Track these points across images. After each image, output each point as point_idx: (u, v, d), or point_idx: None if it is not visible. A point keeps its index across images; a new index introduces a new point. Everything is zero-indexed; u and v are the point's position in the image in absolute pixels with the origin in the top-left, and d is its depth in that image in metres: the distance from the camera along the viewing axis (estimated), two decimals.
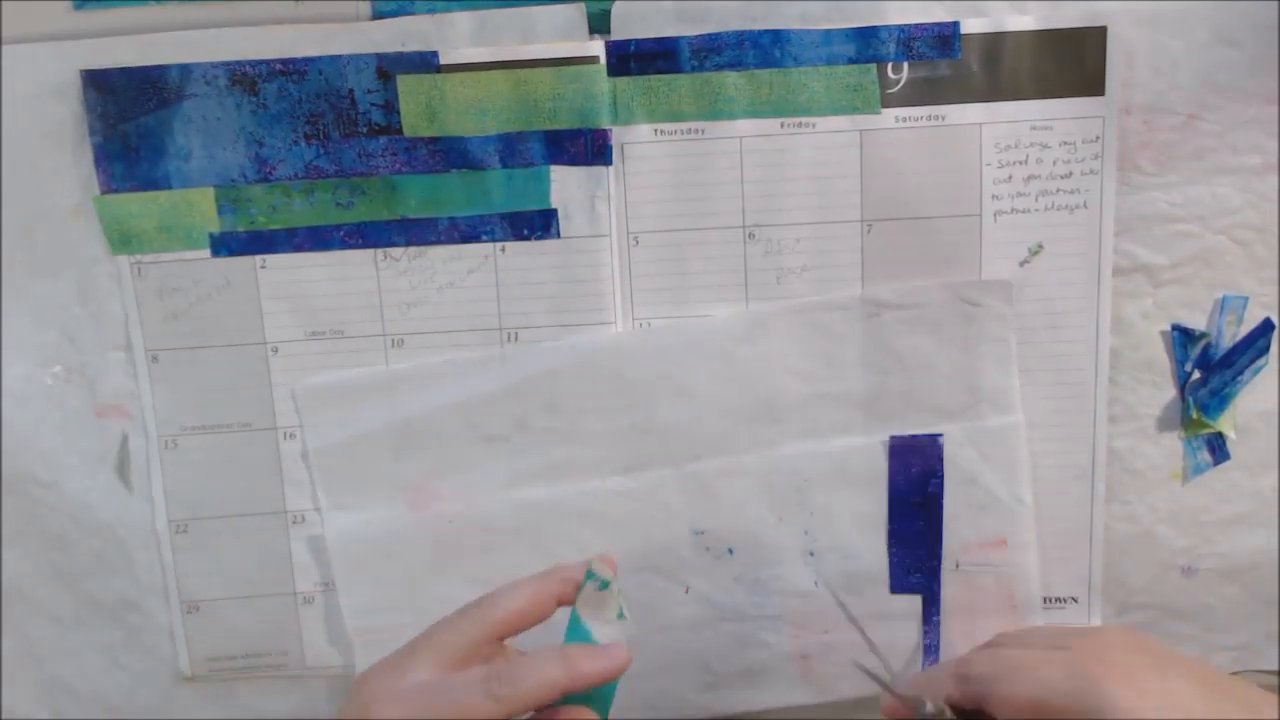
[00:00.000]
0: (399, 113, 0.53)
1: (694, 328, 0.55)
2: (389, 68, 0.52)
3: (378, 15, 0.52)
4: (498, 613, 0.45)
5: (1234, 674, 0.59)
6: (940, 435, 0.56)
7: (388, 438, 0.56)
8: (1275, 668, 0.60)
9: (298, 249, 0.54)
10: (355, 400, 0.56)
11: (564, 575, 0.46)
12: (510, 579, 0.57)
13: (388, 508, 0.56)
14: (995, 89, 0.53)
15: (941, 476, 0.56)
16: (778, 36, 0.52)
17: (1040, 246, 0.55)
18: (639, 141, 0.54)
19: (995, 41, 0.53)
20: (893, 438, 0.56)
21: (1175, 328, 0.56)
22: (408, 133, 0.53)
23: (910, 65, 0.53)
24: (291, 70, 0.52)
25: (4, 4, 0.52)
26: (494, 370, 0.55)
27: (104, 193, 0.54)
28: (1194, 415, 0.56)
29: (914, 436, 0.56)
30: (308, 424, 0.56)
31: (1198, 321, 0.56)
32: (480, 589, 0.57)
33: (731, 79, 0.53)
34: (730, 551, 0.57)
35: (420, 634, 0.45)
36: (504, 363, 0.55)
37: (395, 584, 0.57)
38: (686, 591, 0.58)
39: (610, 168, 0.54)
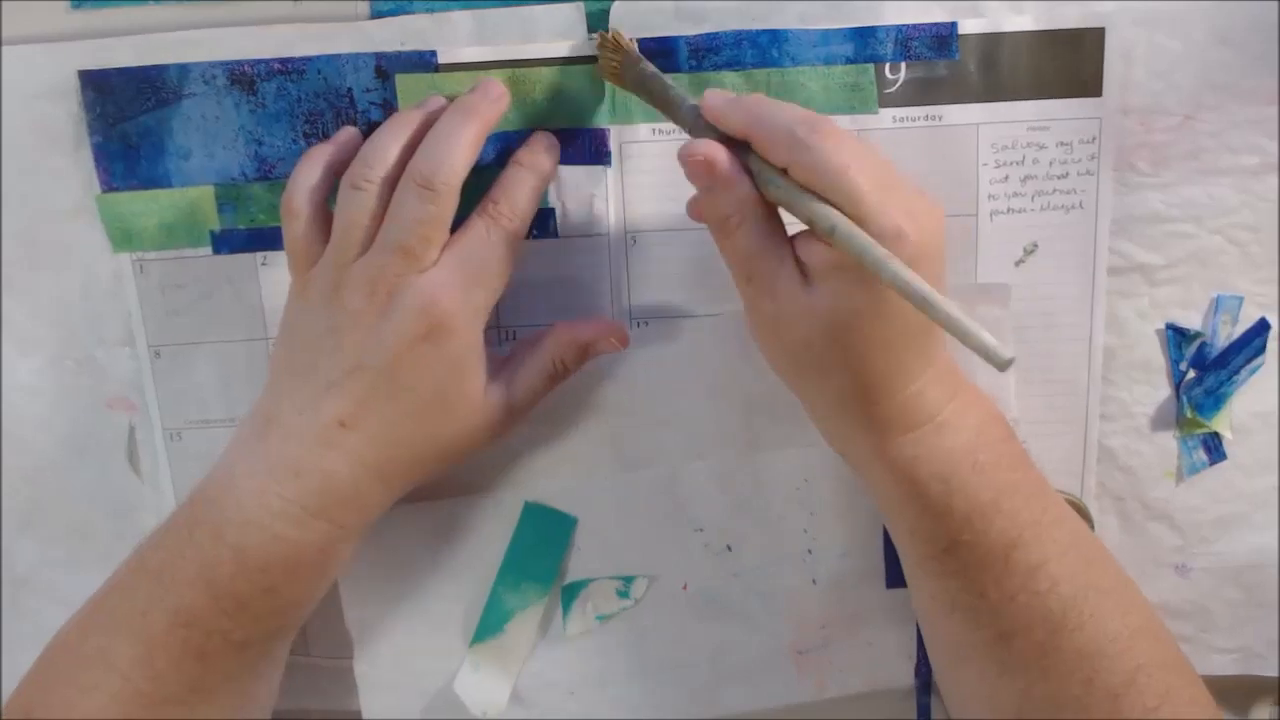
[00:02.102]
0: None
1: (692, 327, 0.56)
2: (387, 67, 0.53)
3: (376, 15, 0.52)
4: None
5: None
6: None
7: None
8: (1275, 672, 0.60)
9: None
10: None
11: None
12: None
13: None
14: (993, 89, 0.53)
15: None
16: (776, 36, 0.53)
17: (1036, 246, 0.55)
18: (637, 141, 0.54)
19: (993, 42, 0.53)
20: None
21: (1170, 327, 0.56)
22: None
23: (908, 65, 0.53)
24: (290, 69, 0.53)
25: (3, 5, 0.53)
26: None
27: (105, 192, 0.54)
28: (1189, 415, 0.57)
29: None
30: None
31: (1193, 321, 0.56)
32: (480, 584, 0.58)
33: (729, 79, 0.53)
34: (729, 549, 0.58)
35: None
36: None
37: (395, 577, 0.58)
38: (685, 589, 0.58)
39: (608, 167, 0.54)
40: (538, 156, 0.51)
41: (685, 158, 0.46)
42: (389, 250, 0.47)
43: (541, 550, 0.57)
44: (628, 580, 0.58)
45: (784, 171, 0.44)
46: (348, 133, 0.52)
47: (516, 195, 0.50)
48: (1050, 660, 0.47)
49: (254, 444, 0.48)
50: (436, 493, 0.56)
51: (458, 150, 0.47)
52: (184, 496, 0.50)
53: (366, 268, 0.47)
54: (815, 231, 0.44)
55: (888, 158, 0.46)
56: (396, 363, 0.47)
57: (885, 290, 0.43)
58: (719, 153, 0.45)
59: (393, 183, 0.48)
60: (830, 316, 0.45)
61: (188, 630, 0.47)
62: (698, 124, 0.48)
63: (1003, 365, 0.40)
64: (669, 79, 0.49)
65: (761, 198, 0.46)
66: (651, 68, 0.50)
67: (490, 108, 0.49)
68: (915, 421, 0.47)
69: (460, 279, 0.47)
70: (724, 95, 0.47)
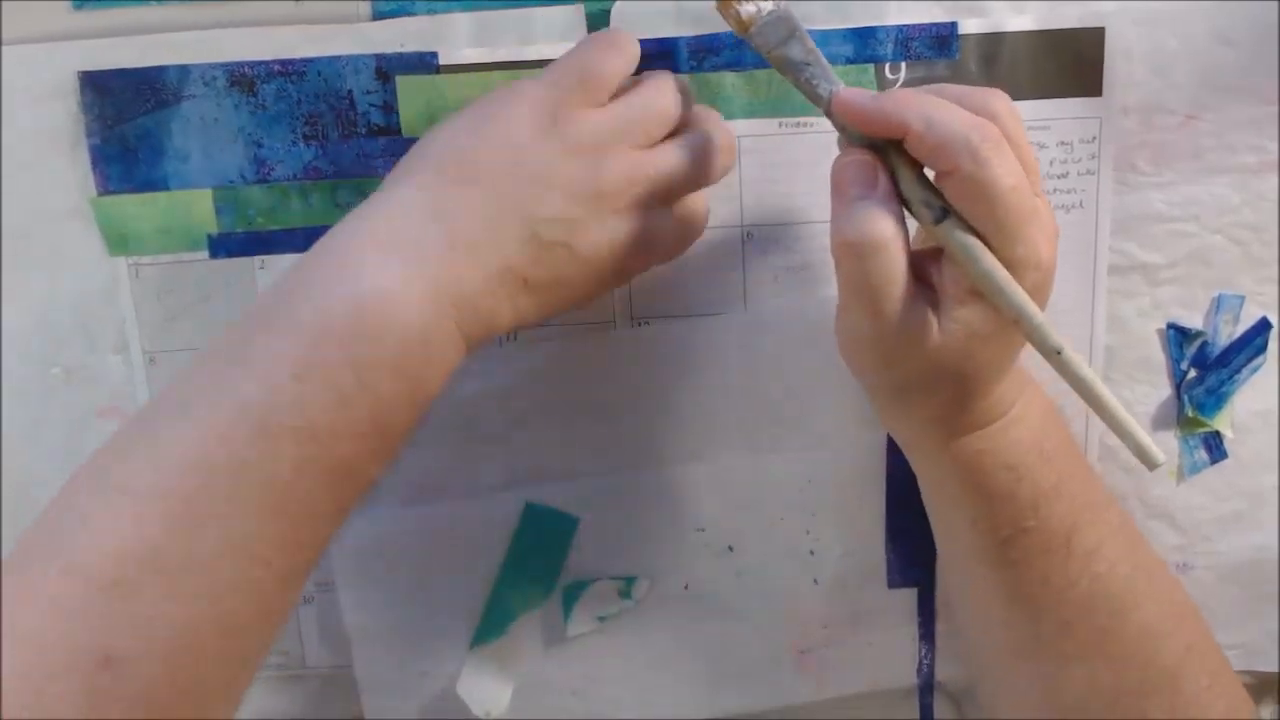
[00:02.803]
0: (398, 113, 0.53)
1: (692, 327, 0.55)
2: (388, 69, 0.52)
3: (378, 16, 0.52)
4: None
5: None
6: None
7: None
8: (1276, 668, 0.60)
9: (297, 250, 0.54)
10: None
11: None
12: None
13: (388, 507, 0.56)
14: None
15: None
16: None
17: None
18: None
19: (993, 42, 0.53)
20: (890, 434, 0.56)
21: (1171, 326, 0.56)
22: (407, 134, 0.53)
23: (908, 65, 0.53)
24: (290, 71, 0.52)
25: (3, 5, 0.52)
26: (493, 371, 0.55)
27: (101, 194, 0.53)
28: (1190, 414, 0.57)
29: None
30: None
31: (1194, 320, 0.56)
32: (480, 587, 0.57)
33: (729, 79, 0.53)
34: (730, 549, 0.58)
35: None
36: (503, 363, 0.55)
37: (395, 582, 0.57)
38: (686, 589, 0.58)
39: None
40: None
41: (848, 164, 0.44)
42: (673, 160, 0.46)
43: (542, 551, 0.57)
44: (629, 581, 0.58)
45: (933, 187, 0.43)
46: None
47: (719, 157, 0.49)
48: (1112, 644, 0.47)
49: (436, 270, 0.41)
50: (437, 494, 0.56)
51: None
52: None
53: (642, 163, 0.45)
54: (977, 286, 0.42)
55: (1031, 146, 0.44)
56: (601, 258, 0.45)
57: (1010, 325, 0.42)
58: (881, 170, 0.43)
59: None
60: (960, 346, 0.44)
61: (343, 488, 0.41)
62: (832, 119, 0.45)
63: (1153, 467, 0.42)
64: (814, 58, 0.45)
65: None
66: (796, 40, 0.46)
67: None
68: (991, 419, 0.47)
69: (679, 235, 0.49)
70: (864, 93, 0.44)
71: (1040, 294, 0.43)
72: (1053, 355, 0.42)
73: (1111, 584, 0.48)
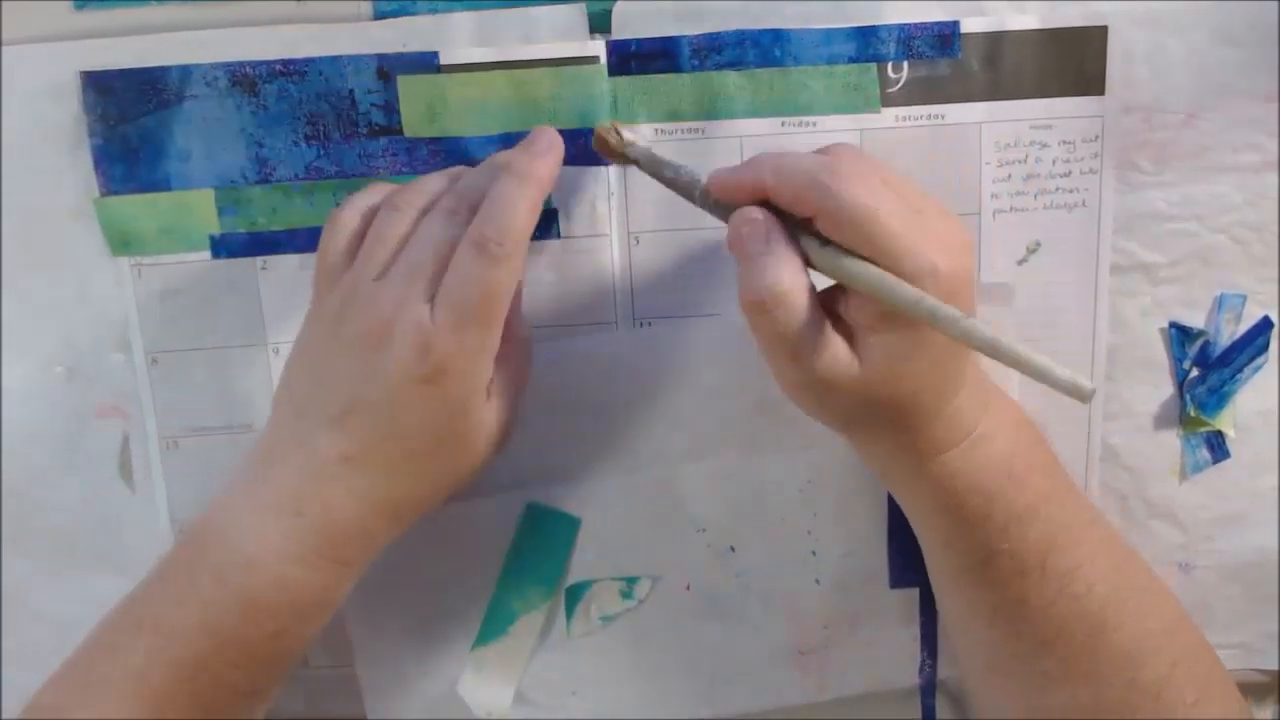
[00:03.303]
0: (400, 113, 0.53)
1: (695, 328, 0.55)
2: (389, 68, 0.52)
3: (380, 15, 0.52)
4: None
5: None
6: None
7: None
8: (1276, 667, 0.60)
9: (299, 250, 0.54)
10: None
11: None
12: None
13: None
14: (995, 88, 0.53)
15: None
16: (778, 36, 0.52)
17: (1038, 245, 0.55)
18: (640, 141, 0.54)
19: (995, 41, 0.53)
20: None
21: (1173, 325, 0.56)
22: (408, 133, 0.53)
23: (910, 64, 0.53)
24: (291, 71, 0.52)
25: (4, 4, 0.52)
26: None
27: (104, 195, 0.53)
28: (1192, 413, 0.57)
29: None
30: None
31: (1196, 320, 0.56)
32: (482, 588, 0.57)
33: (732, 78, 0.53)
34: (732, 549, 0.57)
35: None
36: None
37: (396, 580, 0.57)
38: (687, 589, 0.58)
39: (611, 168, 0.54)
40: (534, 162, 0.46)
41: (735, 222, 0.44)
42: (401, 274, 0.45)
43: (544, 552, 0.57)
44: (631, 581, 0.58)
45: (815, 231, 0.43)
46: (425, 180, 0.49)
47: (507, 216, 0.45)
48: (1092, 664, 0.47)
49: (255, 481, 0.46)
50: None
51: (516, 215, 0.45)
52: (179, 517, 0.51)
53: (377, 290, 0.45)
54: (869, 294, 0.43)
55: (906, 176, 0.45)
56: (394, 405, 0.44)
57: (930, 329, 0.42)
58: (771, 220, 0.44)
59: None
60: (885, 372, 0.44)
61: (194, 683, 0.45)
62: (708, 204, 0.47)
63: (1086, 398, 0.41)
64: (675, 165, 0.49)
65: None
66: (652, 154, 0.50)
67: (546, 165, 0.47)
68: (954, 439, 0.47)
69: (455, 318, 0.44)
70: (726, 168, 0.46)
71: (957, 298, 0.42)
72: (954, 325, 0.41)
73: (1089, 604, 0.47)
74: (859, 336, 0.44)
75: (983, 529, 0.47)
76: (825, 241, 0.43)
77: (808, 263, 0.44)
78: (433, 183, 0.48)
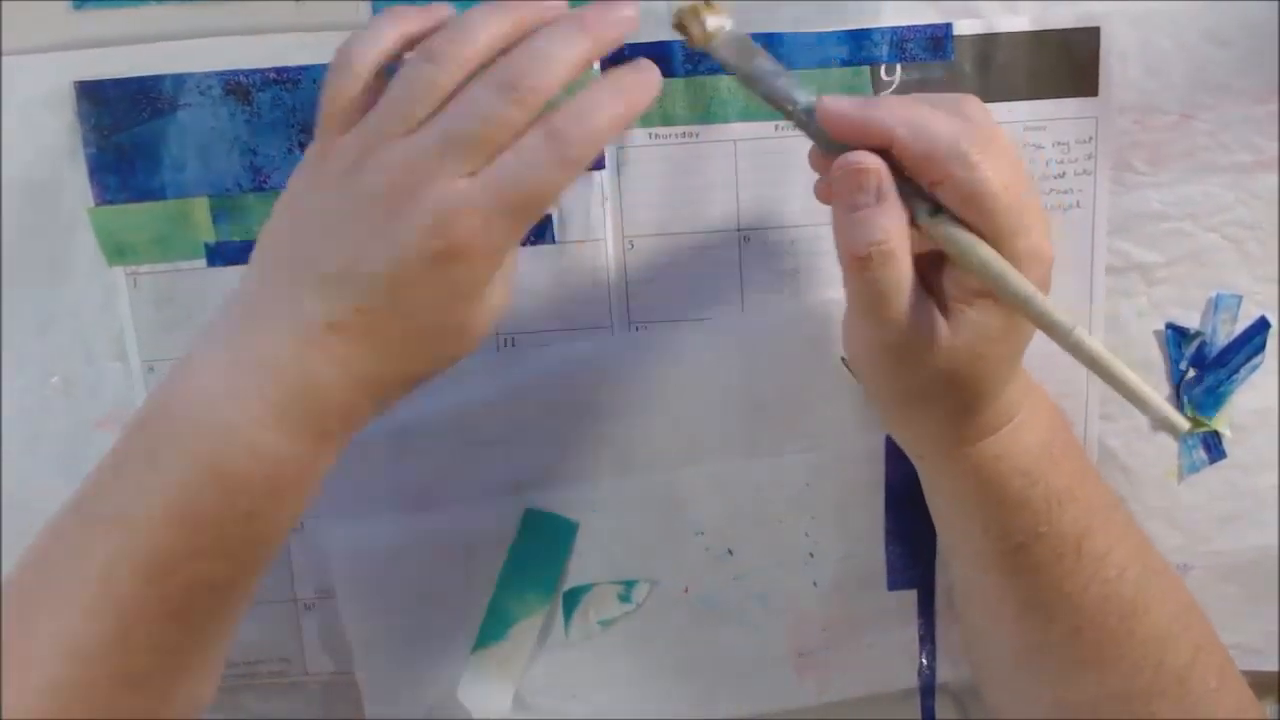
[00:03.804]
0: None
1: (690, 331, 0.55)
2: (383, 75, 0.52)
3: None
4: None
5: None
6: None
7: (385, 446, 0.56)
8: (1275, 668, 0.60)
9: None
10: None
11: None
12: None
13: (387, 515, 0.56)
14: (988, 90, 0.53)
15: None
16: (771, 39, 0.52)
17: None
18: (634, 145, 0.54)
19: (988, 43, 0.53)
20: (888, 437, 0.56)
21: (1169, 326, 0.56)
22: None
23: (903, 67, 0.53)
24: (285, 79, 0.52)
25: (3, 4, 0.52)
26: (492, 376, 0.55)
27: (98, 204, 0.54)
28: (1189, 414, 0.57)
29: None
30: None
31: (1192, 320, 0.56)
32: (480, 592, 0.57)
33: (725, 82, 0.53)
34: (730, 552, 0.57)
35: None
36: (502, 369, 0.55)
37: (396, 590, 0.57)
38: (685, 592, 0.58)
39: (605, 172, 0.54)
40: (639, 79, 0.42)
41: (847, 168, 0.41)
42: (437, 139, 0.39)
43: (543, 556, 0.57)
44: (629, 585, 0.58)
45: (930, 196, 0.42)
46: (441, 9, 0.43)
47: (595, 119, 0.40)
48: (1123, 648, 0.47)
49: (226, 339, 0.41)
50: (436, 500, 0.56)
51: (558, 64, 0.39)
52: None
53: (405, 150, 0.39)
54: (978, 278, 0.42)
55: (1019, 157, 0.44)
56: (397, 279, 0.39)
57: (1017, 314, 0.42)
58: (885, 171, 0.41)
59: (473, 72, 0.40)
60: (970, 348, 0.43)
61: (164, 582, 0.39)
62: (809, 127, 0.43)
63: (1179, 435, 0.43)
64: (772, 67, 0.43)
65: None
66: (746, 45, 0.43)
67: (611, 28, 0.41)
68: (1000, 424, 0.47)
69: (494, 203, 0.39)
70: (849, 99, 0.42)
71: (1043, 289, 0.42)
72: (1066, 337, 0.41)
73: (1122, 588, 0.47)
74: (952, 308, 0.43)
75: (1023, 511, 0.47)
76: (937, 208, 0.42)
77: (913, 223, 0.42)
78: (483, 30, 0.40)
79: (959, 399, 0.45)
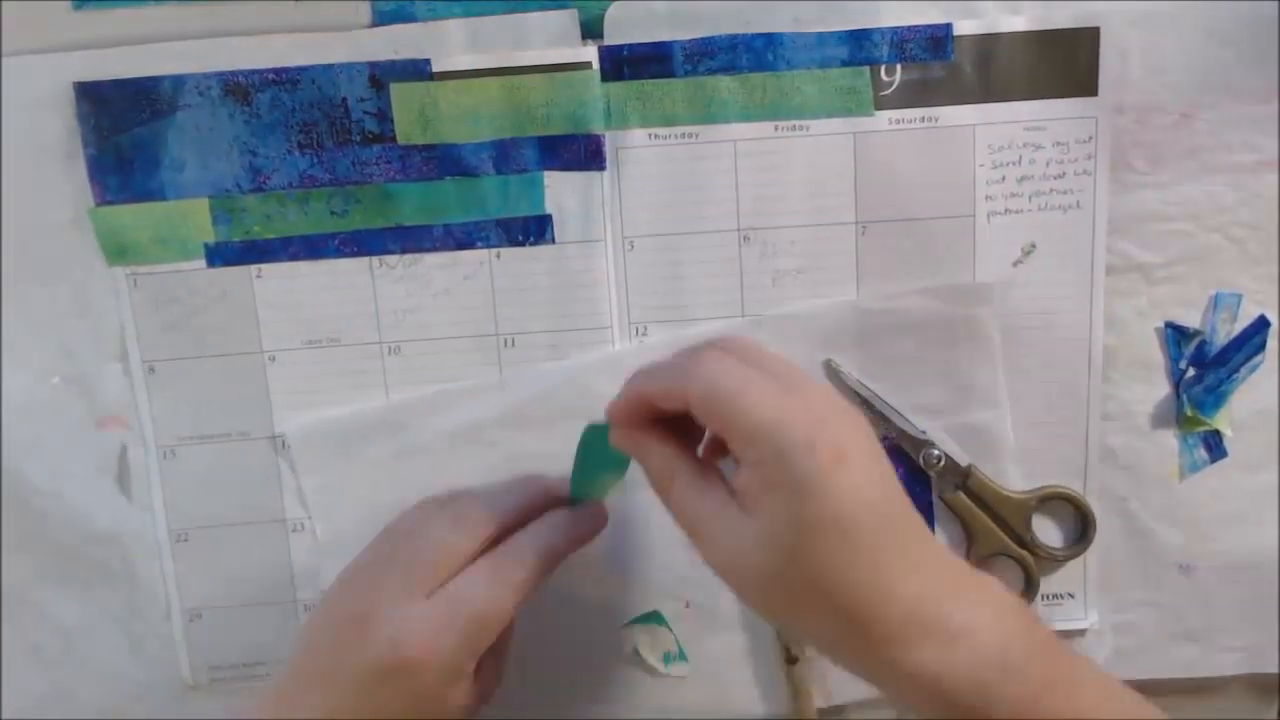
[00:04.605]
0: (392, 121, 0.53)
1: (688, 337, 0.55)
2: (382, 76, 0.52)
3: (379, 17, 0.52)
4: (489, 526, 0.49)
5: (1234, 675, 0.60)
6: (924, 432, 0.56)
7: (386, 469, 0.56)
8: (1276, 670, 0.59)
9: (293, 258, 0.54)
10: (351, 436, 0.56)
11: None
12: None
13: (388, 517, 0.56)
14: (988, 90, 0.53)
15: (930, 475, 0.56)
16: (771, 40, 0.52)
17: (1034, 246, 0.55)
18: (633, 146, 0.54)
19: (988, 43, 0.53)
20: (883, 438, 0.56)
21: (1169, 325, 0.56)
22: (401, 141, 0.53)
23: (903, 67, 0.53)
24: (284, 80, 0.52)
25: (4, 4, 0.52)
26: (492, 397, 0.56)
27: (98, 205, 0.54)
28: (1189, 413, 0.56)
29: (901, 435, 0.56)
30: (302, 465, 0.56)
31: (1192, 319, 0.56)
32: None
33: (725, 83, 0.53)
34: None
35: (391, 553, 0.49)
36: (501, 390, 0.56)
37: None
38: (687, 607, 0.58)
39: (604, 173, 0.54)
40: (590, 523, 0.52)
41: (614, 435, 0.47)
42: (397, 563, 0.48)
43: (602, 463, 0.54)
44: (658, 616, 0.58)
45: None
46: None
47: (538, 551, 0.49)
48: None
49: (294, 705, 0.49)
50: None
51: (546, 564, 0.49)
52: (176, 526, 0.55)
53: (369, 570, 0.49)
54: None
55: (777, 354, 0.44)
56: (364, 686, 0.47)
57: (822, 500, 0.40)
58: (624, 411, 0.46)
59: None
60: (779, 539, 0.42)
61: None
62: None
63: None
64: None
65: (685, 451, 0.45)
66: None
67: (583, 538, 0.51)
68: (923, 631, 0.42)
69: (444, 623, 0.46)
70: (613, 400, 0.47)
71: (851, 475, 0.41)
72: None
73: None
74: (747, 506, 0.43)
75: None
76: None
77: None
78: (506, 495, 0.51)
79: (825, 598, 0.42)
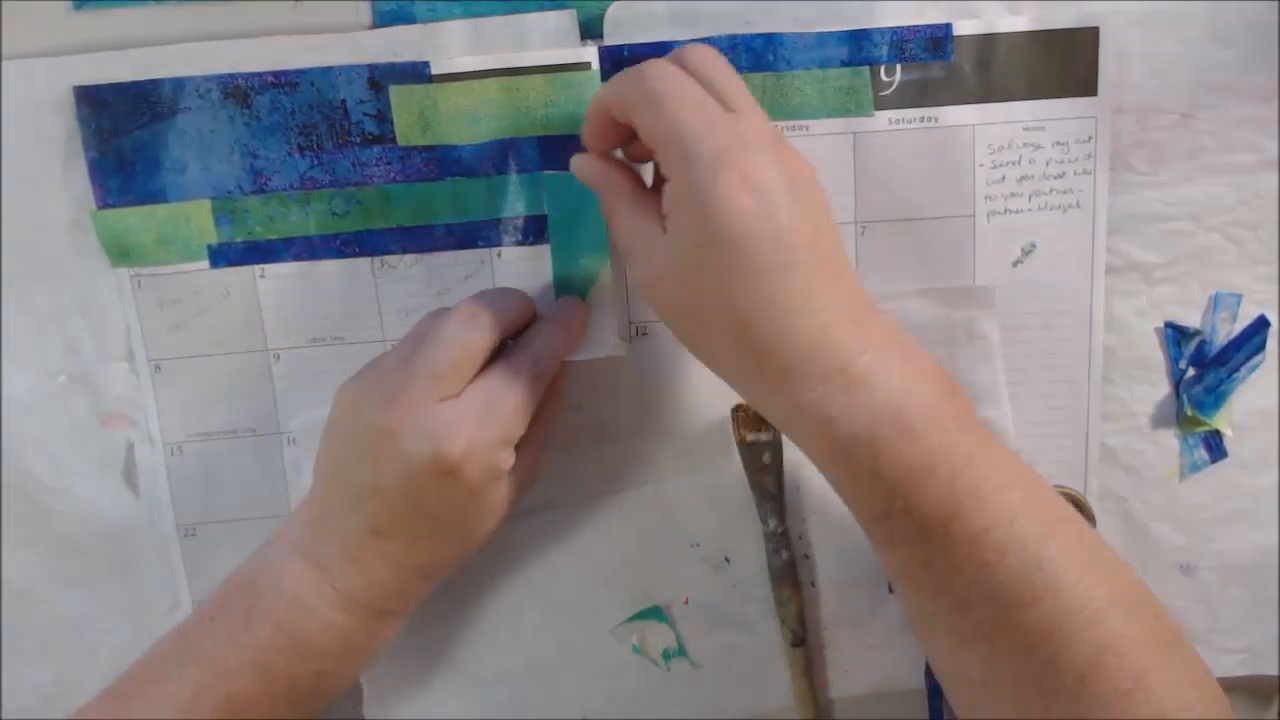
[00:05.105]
0: (392, 122, 0.53)
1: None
2: (381, 78, 0.53)
3: (379, 18, 0.53)
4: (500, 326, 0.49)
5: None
6: None
7: None
8: (1277, 672, 0.59)
9: (296, 259, 0.55)
10: None
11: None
12: (510, 601, 0.58)
13: None
14: (988, 90, 0.53)
15: None
16: (771, 40, 0.52)
17: (1034, 246, 0.55)
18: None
19: (988, 43, 0.53)
20: None
21: (1169, 325, 0.56)
22: (401, 142, 0.53)
23: (903, 67, 0.53)
24: (284, 82, 0.53)
25: (4, 4, 0.52)
26: None
27: (100, 207, 0.54)
28: (1189, 413, 0.56)
29: None
30: (308, 461, 0.56)
31: (1192, 319, 0.56)
32: (481, 612, 0.58)
33: None
34: (727, 560, 0.58)
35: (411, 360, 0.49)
36: None
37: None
38: (686, 603, 0.58)
39: None
40: (570, 316, 0.53)
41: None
42: (418, 368, 0.48)
43: (581, 216, 0.55)
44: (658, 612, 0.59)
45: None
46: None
47: (545, 350, 0.50)
48: (1007, 636, 0.43)
49: (305, 543, 0.50)
50: None
51: (563, 344, 0.51)
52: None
53: (395, 380, 0.48)
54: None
55: (741, 86, 0.46)
56: (412, 491, 0.47)
57: (721, 220, 0.42)
58: (586, 130, 0.49)
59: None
60: (681, 254, 0.43)
61: (239, 717, 0.48)
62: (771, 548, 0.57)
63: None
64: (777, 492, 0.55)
65: (630, 177, 0.48)
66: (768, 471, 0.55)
67: (569, 326, 0.53)
68: (819, 371, 0.43)
69: (479, 414, 0.47)
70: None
71: (734, 190, 0.42)
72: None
73: (1000, 574, 0.42)
74: (669, 224, 0.45)
75: (874, 484, 0.43)
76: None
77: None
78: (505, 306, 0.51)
79: (725, 315, 0.43)
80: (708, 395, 0.56)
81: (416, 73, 0.52)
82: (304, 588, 0.49)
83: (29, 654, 0.59)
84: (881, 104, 0.53)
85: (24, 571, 0.58)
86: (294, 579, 0.49)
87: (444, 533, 0.49)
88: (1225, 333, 0.56)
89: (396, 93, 0.53)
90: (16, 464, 0.57)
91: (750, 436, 0.54)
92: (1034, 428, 0.56)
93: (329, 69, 0.52)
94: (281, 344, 0.56)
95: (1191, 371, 0.56)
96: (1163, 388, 0.57)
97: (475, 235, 0.55)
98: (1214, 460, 0.57)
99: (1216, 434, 0.57)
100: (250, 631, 0.48)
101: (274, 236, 0.54)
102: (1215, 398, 0.56)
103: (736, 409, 0.55)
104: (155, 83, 0.53)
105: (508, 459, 0.49)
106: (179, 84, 0.53)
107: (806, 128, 0.54)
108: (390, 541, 0.49)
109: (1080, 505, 0.56)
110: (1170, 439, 0.57)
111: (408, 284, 0.55)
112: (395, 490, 0.47)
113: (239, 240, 0.55)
